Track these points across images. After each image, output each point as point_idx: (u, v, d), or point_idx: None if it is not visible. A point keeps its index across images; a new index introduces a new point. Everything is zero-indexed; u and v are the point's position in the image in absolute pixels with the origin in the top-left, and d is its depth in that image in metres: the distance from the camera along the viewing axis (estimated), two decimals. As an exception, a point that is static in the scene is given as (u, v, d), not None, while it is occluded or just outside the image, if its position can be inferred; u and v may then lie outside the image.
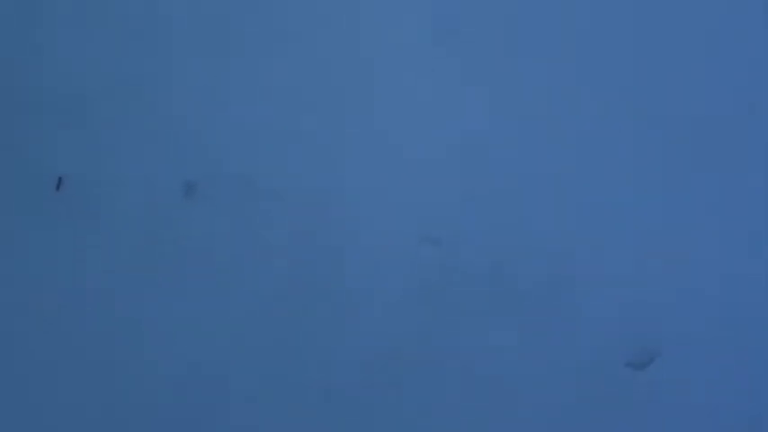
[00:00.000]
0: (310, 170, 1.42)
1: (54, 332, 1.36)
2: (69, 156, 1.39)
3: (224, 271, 1.39)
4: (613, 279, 1.40)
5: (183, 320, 1.38)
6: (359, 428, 1.37)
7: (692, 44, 1.45)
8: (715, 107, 1.44)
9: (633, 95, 1.43)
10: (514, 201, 1.41)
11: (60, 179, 1.38)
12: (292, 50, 1.42)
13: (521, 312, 1.39)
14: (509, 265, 1.39)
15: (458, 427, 1.38)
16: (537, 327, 1.39)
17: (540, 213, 1.41)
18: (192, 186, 1.40)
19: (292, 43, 1.42)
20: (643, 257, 1.40)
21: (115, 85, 1.40)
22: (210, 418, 1.36)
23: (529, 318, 1.39)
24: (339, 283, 1.39)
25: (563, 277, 1.39)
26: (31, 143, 1.38)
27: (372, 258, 1.40)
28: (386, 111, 1.42)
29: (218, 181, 1.41)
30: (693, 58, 1.45)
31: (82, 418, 1.36)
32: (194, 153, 1.41)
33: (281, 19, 1.43)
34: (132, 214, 1.39)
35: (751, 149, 1.43)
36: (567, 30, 1.43)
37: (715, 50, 1.45)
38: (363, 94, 1.41)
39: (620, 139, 1.42)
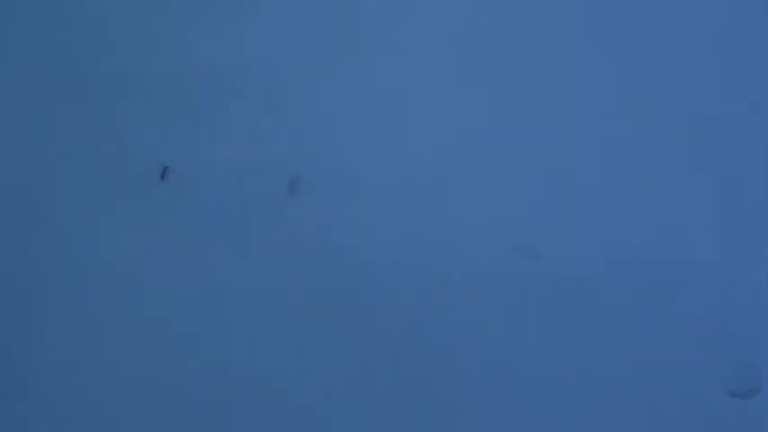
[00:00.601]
0: (415, 171, 1.40)
1: (153, 322, 1.34)
2: (175, 146, 1.38)
3: (318, 264, 1.36)
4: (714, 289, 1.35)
5: (282, 315, 1.36)
6: None
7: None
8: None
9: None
10: (607, 212, 1.38)
11: (165, 169, 1.37)
12: (403, 51, 1.41)
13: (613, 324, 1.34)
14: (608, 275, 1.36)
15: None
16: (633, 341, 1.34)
17: (635, 224, 1.37)
18: (297, 181, 1.38)
19: (403, 44, 1.41)
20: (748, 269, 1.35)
21: (223, 78, 1.40)
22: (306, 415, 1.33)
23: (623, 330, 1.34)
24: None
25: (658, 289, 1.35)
26: (137, 132, 1.38)
27: (469, 268, 1.37)
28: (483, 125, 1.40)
29: (323, 176, 1.39)
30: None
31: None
32: (299, 148, 1.39)
33: (394, 19, 1.42)
34: (235, 207, 1.37)
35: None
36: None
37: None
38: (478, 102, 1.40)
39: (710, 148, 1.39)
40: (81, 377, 1.28)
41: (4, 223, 1.35)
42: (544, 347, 1.33)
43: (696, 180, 1.41)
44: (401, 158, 1.40)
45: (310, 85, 1.42)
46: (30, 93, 1.41)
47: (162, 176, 1.37)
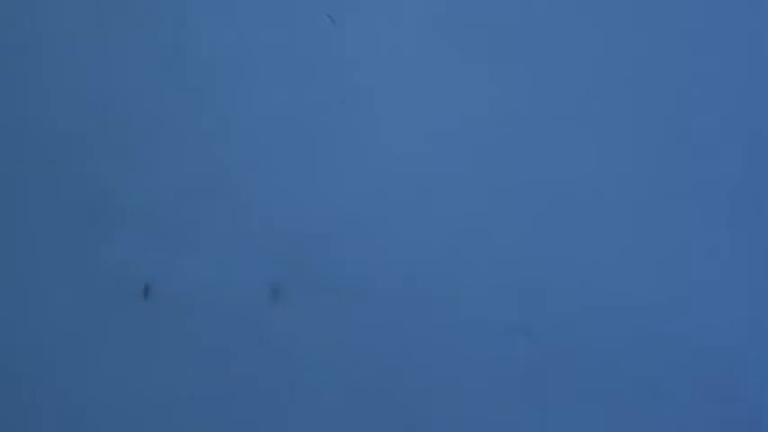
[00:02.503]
0: (398, 274, 1.37)
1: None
2: (155, 263, 1.38)
3: (308, 373, 1.36)
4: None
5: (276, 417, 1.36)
6: None
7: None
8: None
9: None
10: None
11: (147, 286, 1.38)
12: (381, 154, 1.36)
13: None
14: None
15: None
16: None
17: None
18: (279, 290, 1.37)
19: (382, 146, 1.37)
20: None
21: (198, 190, 1.38)
22: None
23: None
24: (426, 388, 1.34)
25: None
26: (116, 252, 1.38)
27: (460, 352, 1.34)
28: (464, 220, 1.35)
29: (304, 284, 1.37)
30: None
31: None
32: (280, 256, 1.38)
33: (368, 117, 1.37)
34: (219, 320, 1.37)
35: None
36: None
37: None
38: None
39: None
40: None
41: None
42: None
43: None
44: (389, 262, 1.38)
45: (290, 192, 1.40)
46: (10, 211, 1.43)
47: (145, 294, 1.38)
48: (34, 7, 1.43)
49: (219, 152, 1.37)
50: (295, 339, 1.36)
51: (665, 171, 1.32)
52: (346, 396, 1.35)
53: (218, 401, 1.36)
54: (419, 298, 1.35)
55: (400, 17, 1.37)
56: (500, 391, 1.33)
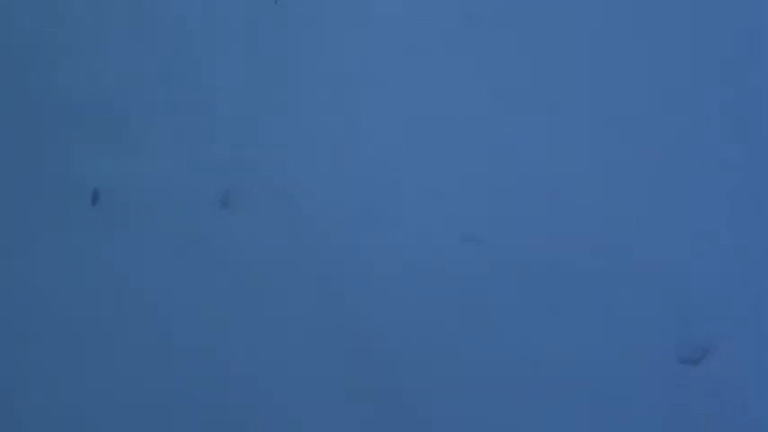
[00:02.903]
0: (344, 177, 1.39)
1: (92, 343, 1.35)
2: (105, 169, 1.38)
3: (258, 279, 1.37)
4: (659, 271, 1.33)
5: (214, 325, 1.36)
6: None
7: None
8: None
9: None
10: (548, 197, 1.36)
11: (96, 192, 1.37)
12: (325, 62, 1.38)
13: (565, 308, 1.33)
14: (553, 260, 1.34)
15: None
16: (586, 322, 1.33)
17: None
18: (229, 196, 1.38)
19: (325, 55, 1.38)
20: (690, 248, 1.33)
21: (150, 96, 1.38)
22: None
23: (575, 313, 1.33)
24: (371, 290, 1.36)
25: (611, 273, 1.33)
26: (65, 157, 1.38)
27: (409, 259, 1.36)
28: (418, 118, 1.37)
29: (253, 190, 1.38)
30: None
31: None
32: (231, 163, 1.38)
33: (313, 30, 1.38)
34: (169, 225, 1.37)
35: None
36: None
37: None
38: (394, 98, 1.37)
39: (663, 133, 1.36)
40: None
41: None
42: (495, 332, 1.33)
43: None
44: (337, 161, 1.39)
45: (236, 96, 1.40)
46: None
47: (93, 200, 1.37)
48: None
49: (169, 53, 1.37)
50: (243, 242, 1.36)
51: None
52: (296, 299, 1.35)
53: (168, 305, 1.36)
54: (368, 202, 1.37)
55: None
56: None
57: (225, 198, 1.38)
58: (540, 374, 1.31)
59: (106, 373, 1.31)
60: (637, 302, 1.34)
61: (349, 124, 1.40)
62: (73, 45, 1.37)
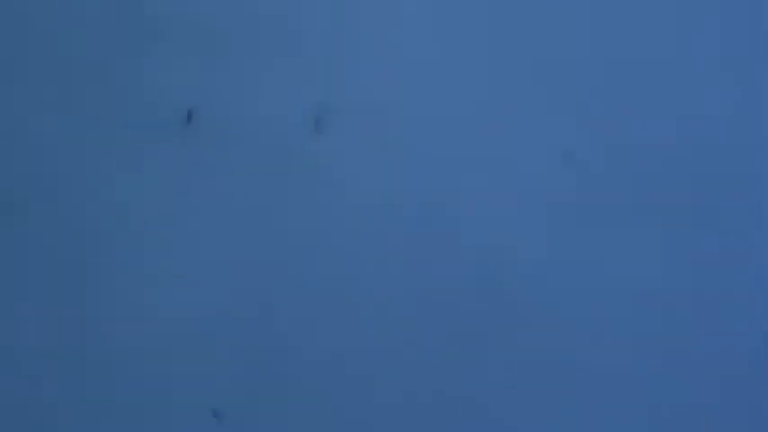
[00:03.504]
0: (442, 101, 1.39)
1: (184, 261, 1.36)
2: (199, 88, 1.35)
3: (356, 205, 1.37)
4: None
5: (317, 251, 1.37)
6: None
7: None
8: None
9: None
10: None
11: (190, 112, 1.35)
12: None
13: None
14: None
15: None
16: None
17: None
18: (322, 119, 1.37)
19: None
20: None
21: (245, 17, 1.35)
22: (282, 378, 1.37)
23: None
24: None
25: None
26: (160, 75, 1.35)
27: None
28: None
29: (348, 113, 1.37)
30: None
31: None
32: (325, 86, 1.37)
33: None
34: (262, 148, 1.36)
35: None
36: None
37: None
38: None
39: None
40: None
41: (24, 167, 1.34)
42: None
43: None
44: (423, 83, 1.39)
45: (328, 24, 1.39)
46: (47, 34, 1.37)
47: (188, 120, 1.35)
48: None
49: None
50: (337, 168, 1.36)
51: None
52: (390, 221, 1.36)
53: (259, 231, 1.36)
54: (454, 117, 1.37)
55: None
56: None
57: (317, 121, 1.37)
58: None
59: (204, 283, 1.32)
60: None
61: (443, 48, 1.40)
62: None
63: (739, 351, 1.38)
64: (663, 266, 1.38)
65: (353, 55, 1.37)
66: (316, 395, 1.33)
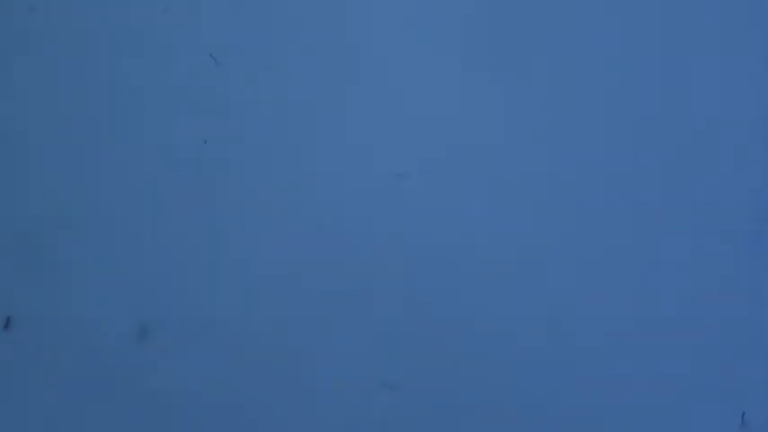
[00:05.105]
0: (266, 312, 1.38)
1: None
2: (20, 295, 1.35)
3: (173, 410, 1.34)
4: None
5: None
6: None
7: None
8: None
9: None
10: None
11: (9, 318, 1.34)
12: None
13: None
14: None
15: None
16: None
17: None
18: (146, 330, 1.36)
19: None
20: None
21: (70, 225, 1.37)
22: None
23: None
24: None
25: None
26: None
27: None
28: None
29: (172, 325, 1.36)
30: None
31: None
32: (149, 296, 1.37)
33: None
34: (83, 356, 1.34)
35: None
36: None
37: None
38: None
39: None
40: None
41: None
42: None
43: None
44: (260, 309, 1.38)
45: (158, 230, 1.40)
46: None
47: (5, 326, 1.34)
48: None
49: (89, 180, 1.37)
50: (158, 378, 1.34)
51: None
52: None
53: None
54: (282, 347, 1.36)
55: None
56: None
57: (142, 332, 1.35)
58: None
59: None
60: None
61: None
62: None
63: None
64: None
65: (180, 267, 1.38)
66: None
